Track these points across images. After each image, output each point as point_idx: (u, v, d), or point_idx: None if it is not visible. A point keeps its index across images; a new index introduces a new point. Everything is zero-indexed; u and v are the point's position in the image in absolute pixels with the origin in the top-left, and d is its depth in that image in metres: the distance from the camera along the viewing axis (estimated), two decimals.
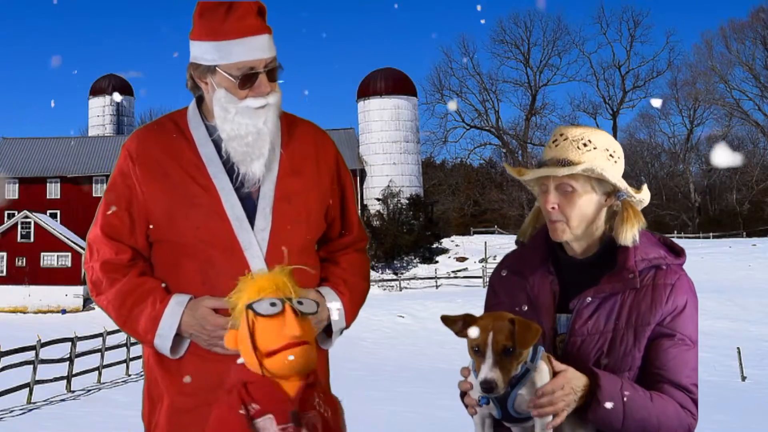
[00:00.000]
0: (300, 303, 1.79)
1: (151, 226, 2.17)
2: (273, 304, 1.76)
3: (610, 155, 2.02)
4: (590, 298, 1.99)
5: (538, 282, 2.07)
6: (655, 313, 1.96)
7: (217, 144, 2.18)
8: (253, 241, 2.13)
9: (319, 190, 2.25)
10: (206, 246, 2.12)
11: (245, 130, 2.12)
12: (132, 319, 2.14)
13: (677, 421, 1.92)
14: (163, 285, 2.17)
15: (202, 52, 2.14)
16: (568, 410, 1.84)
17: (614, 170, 2.01)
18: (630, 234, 2.00)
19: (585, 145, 2.01)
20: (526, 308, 2.04)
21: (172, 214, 2.13)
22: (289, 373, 1.78)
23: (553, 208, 2.00)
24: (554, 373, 1.87)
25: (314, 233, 2.27)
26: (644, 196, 2.06)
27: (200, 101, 2.25)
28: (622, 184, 2.01)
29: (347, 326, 2.29)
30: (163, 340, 2.11)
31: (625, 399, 1.87)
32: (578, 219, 2.00)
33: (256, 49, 2.10)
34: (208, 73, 2.15)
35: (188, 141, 2.19)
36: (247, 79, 2.11)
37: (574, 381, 1.86)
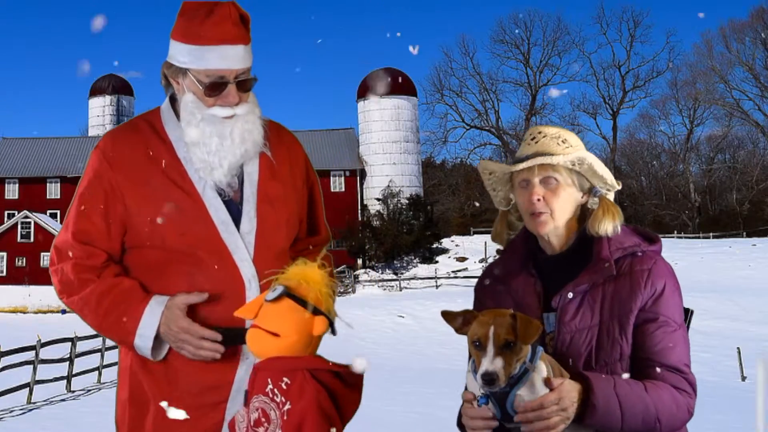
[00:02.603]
0: (273, 290, 1.90)
1: (131, 232, 2.13)
2: (274, 290, 1.92)
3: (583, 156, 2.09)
4: (571, 294, 2.02)
5: (522, 285, 2.10)
6: (635, 299, 1.99)
7: None
8: (240, 244, 2.11)
9: (295, 193, 2.25)
10: (193, 251, 2.09)
11: (209, 138, 2.10)
12: (110, 320, 2.09)
13: (675, 405, 1.93)
14: (141, 285, 2.13)
15: (176, 52, 2.12)
16: (566, 423, 1.84)
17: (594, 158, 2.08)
18: (611, 225, 2.05)
19: (564, 142, 2.08)
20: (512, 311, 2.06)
21: (156, 219, 2.09)
22: (252, 352, 1.95)
23: (538, 199, 2.04)
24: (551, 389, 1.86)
25: (293, 235, 2.27)
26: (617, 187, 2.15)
27: (173, 101, 2.22)
28: (609, 176, 2.08)
29: None
30: (144, 341, 2.07)
31: (620, 397, 1.87)
32: (561, 211, 2.05)
33: (229, 58, 2.07)
34: (180, 74, 2.13)
35: (165, 144, 2.16)
36: (214, 88, 2.08)
37: (572, 393, 1.85)
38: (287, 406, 1.83)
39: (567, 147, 2.06)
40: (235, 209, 2.14)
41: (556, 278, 2.07)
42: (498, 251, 2.26)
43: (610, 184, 2.09)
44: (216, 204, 2.12)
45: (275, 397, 1.85)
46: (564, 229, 2.08)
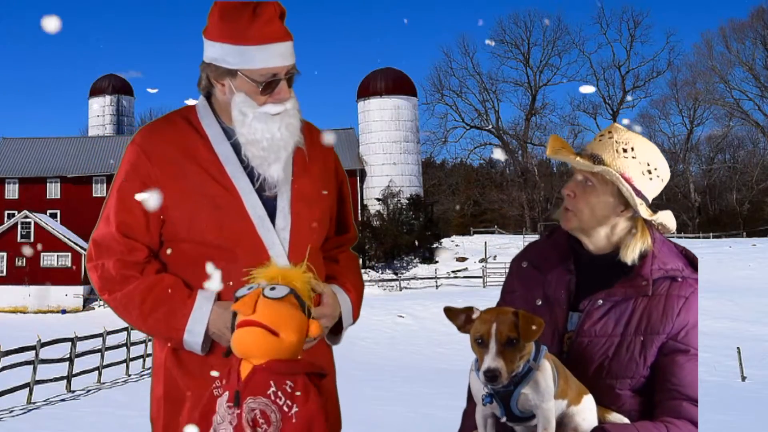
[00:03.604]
0: (272, 289, 1.88)
1: (168, 226, 2.14)
2: (250, 288, 1.90)
3: (648, 171, 2.00)
4: (601, 301, 1.99)
5: (556, 279, 2.07)
6: (665, 324, 1.96)
7: (235, 145, 2.16)
8: (276, 241, 2.13)
9: (327, 191, 2.27)
10: (230, 246, 2.11)
11: (260, 135, 2.11)
12: (156, 316, 2.10)
13: None
14: (183, 282, 2.13)
15: (223, 54, 2.10)
16: None
17: (644, 185, 1.99)
18: (630, 254, 1.99)
19: (625, 150, 1.99)
20: (540, 303, 2.06)
21: (194, 214, 2.11)
22: (239, 351, 1.88)
23: (568, 195, 2.02)
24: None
25: (325, 232, 2.28)
26: (665, 220, 2.03)
27: (208, 97, 2.23)
28: (633, 201, 1.97)
29: (353, 322, 2.29)
30: (194, 336, 2.08)
31: None
32: (587, 215, 2.00)
33: (280, 55, 2.09)
34: (228, 76, 2.12)
35: (203, 139, 2.17)
36: (269, 86, 2.10)
37: None
38: (294, 410, 1.82)
39: (624, 157, 1.97)
40: (270, 205, 2.16)
41: (592, 279, 2.03)
42: (541, 234, 2.22)
43: (632, 207, 1.99)
44: (253, 200, 2.14)
45: (278, 400, 1.83)
46: (597, 235, 2.03)
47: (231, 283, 2.08)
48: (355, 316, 2.28)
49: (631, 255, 1.99)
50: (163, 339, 2.17)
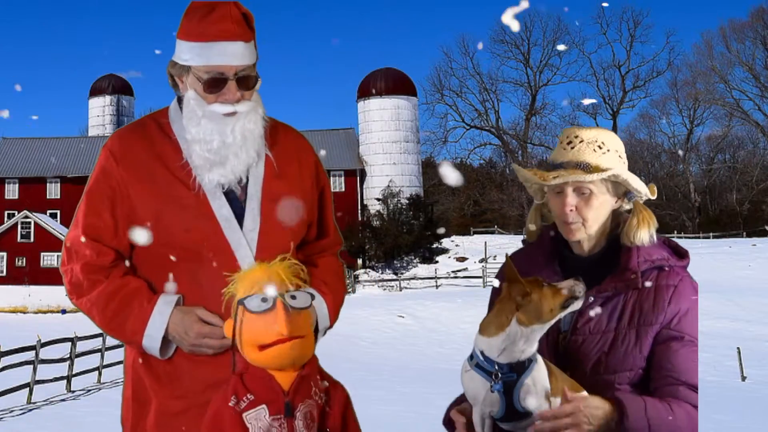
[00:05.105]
0: (293, 298, 1.88)
1: (136, 228, 2.14)
2: (264, 300, 1.87)
3: (620, 156, 2.05)
4: (593, 298, 2.00)
5: None
6: (657, 313, 1.97)
7: None
8: (243, 242, 2.12)
9: (303, 194, 2.25)
10: (196, 247, 2.10)
11: (210, 135, 2.11)
12: (118, 320, 2.12)
13: (690, 426, 1.92)
14: (148, 285, 2.15)
15: (180, 50, 2.14)
16: None
17: (624, 171, 2.04)
18: (646, 234, 2.01)
19: (600, 147, 2.02)
20: None
21: (160, 216, 2.11)
22: (280, 366, 1.88)
23: (571, 210, 2.01)
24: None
25: (299, 236, 2.26)
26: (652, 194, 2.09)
27: (181, 100, 2.23)
28: (643, 189, 2.03)
29: (330, 326, 2.28)
30: (152, 341, 2.09)
31: (650, 420, 1.86)
32: (593, 220, 2.02)
33: (227, 54, 2.08)
34: (184, 72, 2.15)
35: (171, 141, 2.18)
36: (213, 84, 2.09)
37: (590, 410, 1.83)
38: (325, 399, 1.93)
39: (603, 153, 2.01)
40: (239, 207, 2.15)
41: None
42: (523, 241, 2.23)
43: (644, 194, 2.04)
44: (219, 201, 2.13)
45: (319, 400, 1.91)
46: (596, 234, 2.05)
47: (201, 283, 2.09)
48: (332, 319, 2.26)
49: (646, 235, 2.02)
50: (126, 342, 2.18)
